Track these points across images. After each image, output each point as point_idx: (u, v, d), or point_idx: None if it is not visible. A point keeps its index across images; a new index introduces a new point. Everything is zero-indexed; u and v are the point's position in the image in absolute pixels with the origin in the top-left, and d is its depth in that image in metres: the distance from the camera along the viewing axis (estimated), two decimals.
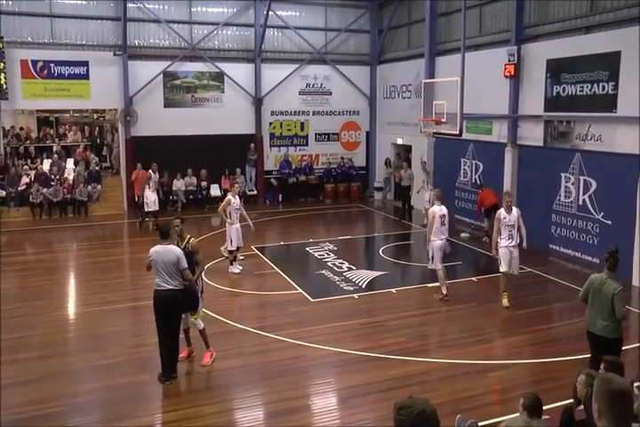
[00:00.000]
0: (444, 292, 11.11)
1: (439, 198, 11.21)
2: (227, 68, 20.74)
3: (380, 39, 22.33)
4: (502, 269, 10.64)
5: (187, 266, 7.77)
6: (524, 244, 10.73)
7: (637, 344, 9.03)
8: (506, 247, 10.61)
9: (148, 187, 17.16)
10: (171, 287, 7.65)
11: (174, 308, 7.75)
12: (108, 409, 7.10)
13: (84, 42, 19.01)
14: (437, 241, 10.99)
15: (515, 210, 10.66)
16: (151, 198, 17.14)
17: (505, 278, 10.74)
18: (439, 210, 10.97)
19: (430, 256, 11.23)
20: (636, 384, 4.96)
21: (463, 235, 16.10)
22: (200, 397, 7.42)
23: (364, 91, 22.76)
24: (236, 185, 13.62)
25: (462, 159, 17.87)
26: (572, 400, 5.07)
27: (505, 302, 10.66)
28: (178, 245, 8.11)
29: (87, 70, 19.00)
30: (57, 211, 18.78)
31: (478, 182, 17.13)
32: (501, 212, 10.63)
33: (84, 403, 7.28)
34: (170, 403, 7.32)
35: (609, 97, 12.75)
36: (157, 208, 17.35)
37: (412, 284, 12.28)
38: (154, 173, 17.38)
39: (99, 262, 13.76)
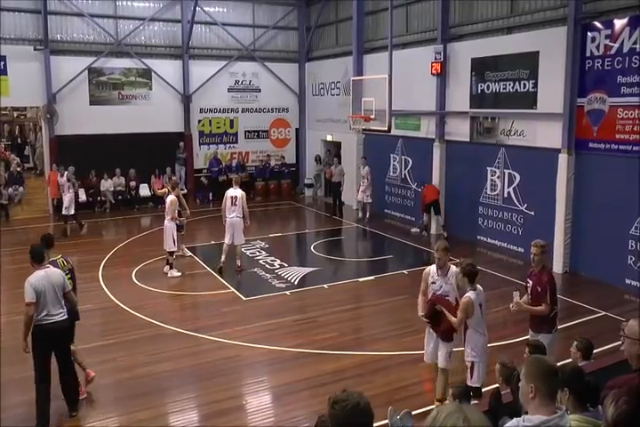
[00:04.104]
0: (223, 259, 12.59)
1: (237, 183, 12.66)
2: (154, 64, 20.27)
3: (308, 37, 22.37)
4: (425, 357, 7.24)
5: (71, 287, 6.97)
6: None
7: (558, 327, 9.50)
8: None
9: (60, 190, 16.27)
10: (59, 319, 6.68)
11: (64, 340, 6.88)
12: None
13: None
14: (229, 219, 12.45)
15: (452, 271, 6.79)
16: (64, 202, 16.09)
17: (443, 378, 6.88)
18: (232, 192, 12.50)
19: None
20: None
21: (413, 230, 16.34)
22: (132, 403, 7.25)
23: (292, 88, 22.76)
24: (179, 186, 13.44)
25: (392, 155, 18.15)
26: (498, 385, 5.28)
27: None
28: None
29: (5, 65, 18.07)
30: None
31: (408, 178, 17.52)
32: (431, 270, 6.95)
33: (12, 418, 6.89)
34: (102, 411, 7.13)
35: (530, 94, 13.23)
36: (72, 212, 16.13)
37: (344, 279, 12.39)
38: (61, 176, 16.28)
39: (22, 269, 13.13)
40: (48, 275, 6.69)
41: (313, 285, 11.88)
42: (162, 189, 14.83)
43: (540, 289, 6.82)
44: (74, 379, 7.04)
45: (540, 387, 2.99)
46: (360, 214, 18.22)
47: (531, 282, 6.97)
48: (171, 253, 12.53)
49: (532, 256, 6.98)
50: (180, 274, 12.46)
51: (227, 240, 12.59)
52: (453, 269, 6.77)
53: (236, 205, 12.38)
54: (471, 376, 6.52)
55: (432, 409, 2.47)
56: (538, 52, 12.89)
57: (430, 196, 15.56)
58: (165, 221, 12.51)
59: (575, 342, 5.50)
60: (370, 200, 17.92)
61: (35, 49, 18.39)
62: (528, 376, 3.07)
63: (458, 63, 15.20)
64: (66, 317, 6.77)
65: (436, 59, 15.47)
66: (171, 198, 12.50)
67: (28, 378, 7.48)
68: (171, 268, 12.48)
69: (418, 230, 16.23)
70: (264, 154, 22.52)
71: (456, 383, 5.99)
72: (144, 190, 20.08)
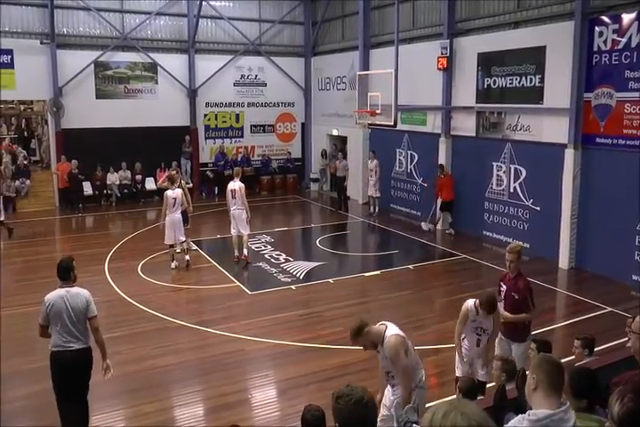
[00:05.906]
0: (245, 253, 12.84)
1: (238, 175, 12.75)
2: (160, 58, 20.28)
3: (314, 31, 22.31)
4: None
5: (96, 313, 6.13)
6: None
7: (564, 323, 9.65)
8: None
9: None
10: (79, 347, 5.92)
11: (78, 373, 5.99)
12: (44, 414, 6.73)
13: (6, 28, 18.00)
14: (231, 211, 12.68)
15: (387, 344, 5.28)
16: None
17: None
18: (232, 185, 12.61)
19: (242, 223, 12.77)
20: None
21: (424, 226, 15.90)
22: (137, 396, 7.28)
23: (298, 82, 22.72)
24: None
25: (398, 150, 18.11)
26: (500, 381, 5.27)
27: None
28: None
29: (11, 59, 18.10)
30: None
31: (414, 173, 17.49)
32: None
33: (19, 409, 6.96)
34: (108, 404, 7.13)
35: (536, 89, 13.18)
36: (1, 218, 14.95)
37: (349, 273, 12.37)
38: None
39: (28, 261, 13.25)
40: (69, 294, 5.93)
41: (318, 279, 11.89)
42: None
43: (517, 296, 6.61)
44: (82, 423, 6.20)
45: (542, 378, 2.95)
46: (371, 209, 18.14)
47: (505, 287, 6.75)
48: (180, 244, 12.61)
49: (507, 263, 6.73)
50: (176, 265, 12.46)
51: (232, 232, 12.89)
52: (388, 340, 5.24)
53: (235, 197, 12.60)
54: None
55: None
56: (544, 47, 12.83)
57: (448, 192, 15.25)
58: (172, 214, 12.33)
59: (577, 339, 5.42)
60: (378, 195, 17.89)
61: (41, 43, 18.40)
62: (531, 369, 3.07)
63: (464, 58, 15.14)
64: (84, 346, 5.98)
65: (442, 53, 15.41)
66: (179, 191, 12.51)
67: (34, 370, 7.54)
68: (173, 259, 12.51)
69: (432, 226, 15.78)
70: (269, 149, 22.54)
71: (463, 378, 5.97)
72: (150, 184, 20.12)
